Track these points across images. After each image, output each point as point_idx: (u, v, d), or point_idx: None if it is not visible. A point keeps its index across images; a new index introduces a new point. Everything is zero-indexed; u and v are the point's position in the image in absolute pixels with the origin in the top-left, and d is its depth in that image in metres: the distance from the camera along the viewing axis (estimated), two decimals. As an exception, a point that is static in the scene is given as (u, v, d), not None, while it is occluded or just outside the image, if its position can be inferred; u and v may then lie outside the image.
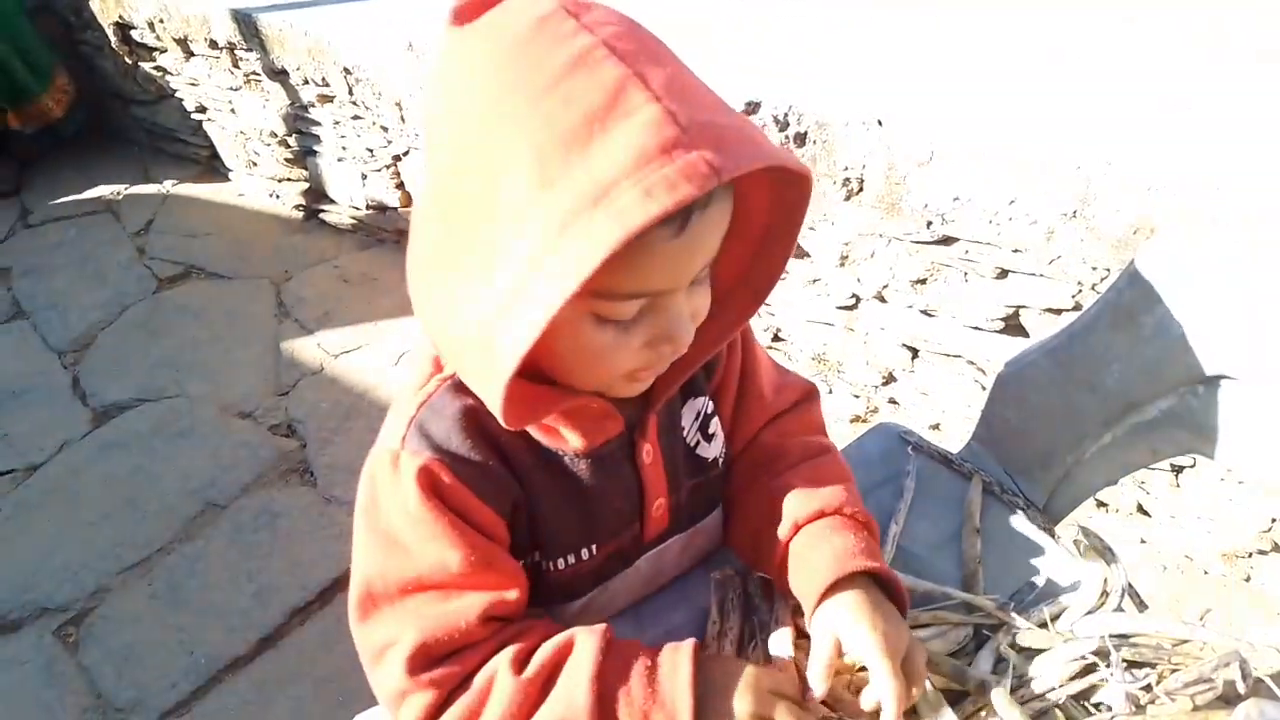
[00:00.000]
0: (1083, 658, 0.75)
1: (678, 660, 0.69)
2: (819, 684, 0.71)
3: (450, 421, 0.71)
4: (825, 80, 1.73)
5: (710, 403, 0.87)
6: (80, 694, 1.72)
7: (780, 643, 0.80)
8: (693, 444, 0.86)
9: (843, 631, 0.72)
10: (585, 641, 0.69)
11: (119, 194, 3.16)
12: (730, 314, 0.74)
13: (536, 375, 0.70)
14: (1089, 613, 0.83)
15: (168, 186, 3.17)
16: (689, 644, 0.70)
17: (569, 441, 0.75)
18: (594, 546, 0.81)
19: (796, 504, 0.80)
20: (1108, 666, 0.78)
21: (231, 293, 2.71)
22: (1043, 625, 0.82)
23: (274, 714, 1.66)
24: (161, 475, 2.13)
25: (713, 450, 0.88)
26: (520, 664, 0.68)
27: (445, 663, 0.69)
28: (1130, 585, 0.86)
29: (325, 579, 1.87)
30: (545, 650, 0.69)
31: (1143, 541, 1.77)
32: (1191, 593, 1.70)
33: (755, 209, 0.69)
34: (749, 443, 0.91)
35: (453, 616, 0.69)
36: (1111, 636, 0.79)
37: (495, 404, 0.60)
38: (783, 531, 0.80)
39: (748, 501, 0.87)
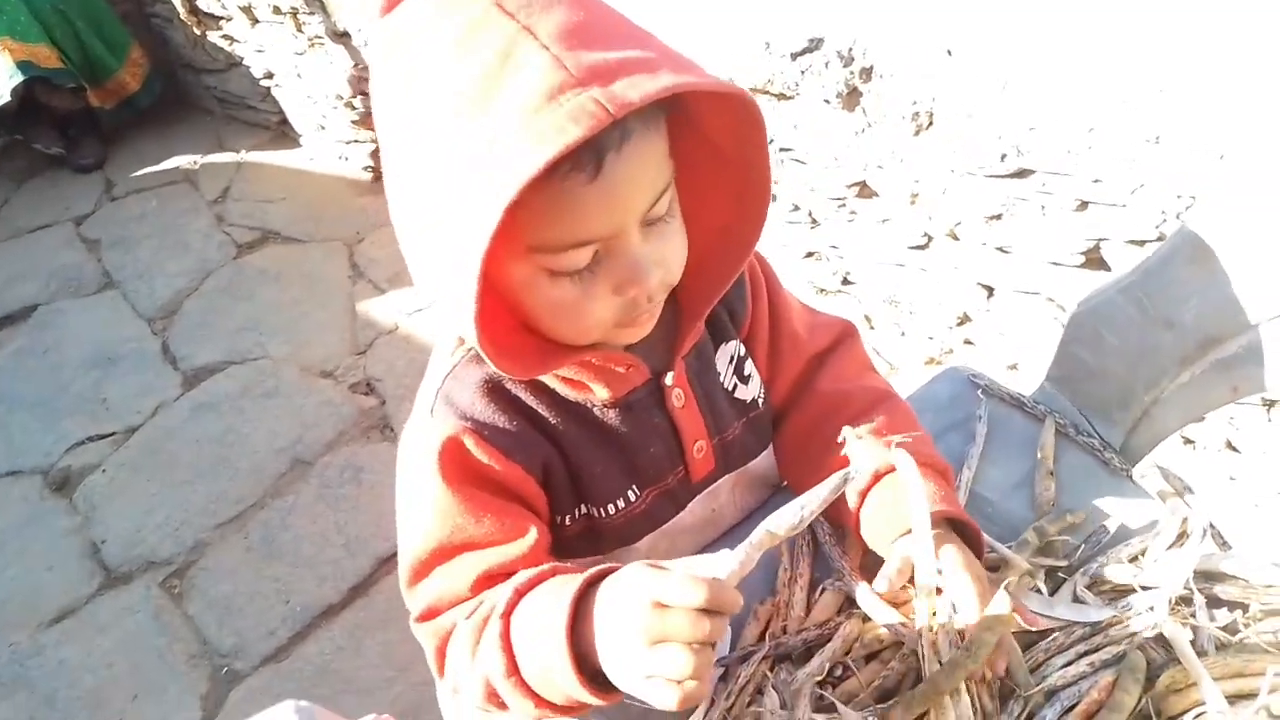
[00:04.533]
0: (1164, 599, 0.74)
1: (569, 585, 0.63)
2: (883, 583, 0.75)
3: (474, 389, 0.73)
4: (891, 9, 1.67)
5: (742, 346, 0.87)
6: (187, 641, 1.83)
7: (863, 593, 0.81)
8: (730, 387, 0.87)
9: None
10: (506, 589, 0.67)
11: (195, 163, 3.25)
12: (732, 248, 0.73)
13: (537, 331, 0.70)
14: (1168, 551, 0.81)
15: (241, 154, 3.25)
16: (583, 575, 0.63)
17: (596, 393, 0.76)
18: (639, 489, 0.82)
19: (871, 454, 0.80)
20: (1189, 606, 0.76)
21: (307, 256, 2.78)
22: (1119, 566, 0.81)
23: (366, 657, 1.74)
24: (250, 434, 2.23)
25: (751, 391, 0.88)
26: (472, 612, 0.71)
27: (443, 616, 0.74)
28: (1212, 524, 0.83)
29: (409, 530, 1.94)
30: (487, 603, 0.70)
31: (1232, 479, 1.71)
32: (1284, 530, 1.65)
33: (721, 135, 0.68)
34: (803, 389, 0.91)
35: (458, 578, 0.72)
36: (1195, 575, 0.77)
37: (483, 353, 0.63)
38: (859, 483, 0.80)
39: (816, 453, 0.87)
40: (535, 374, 0.72)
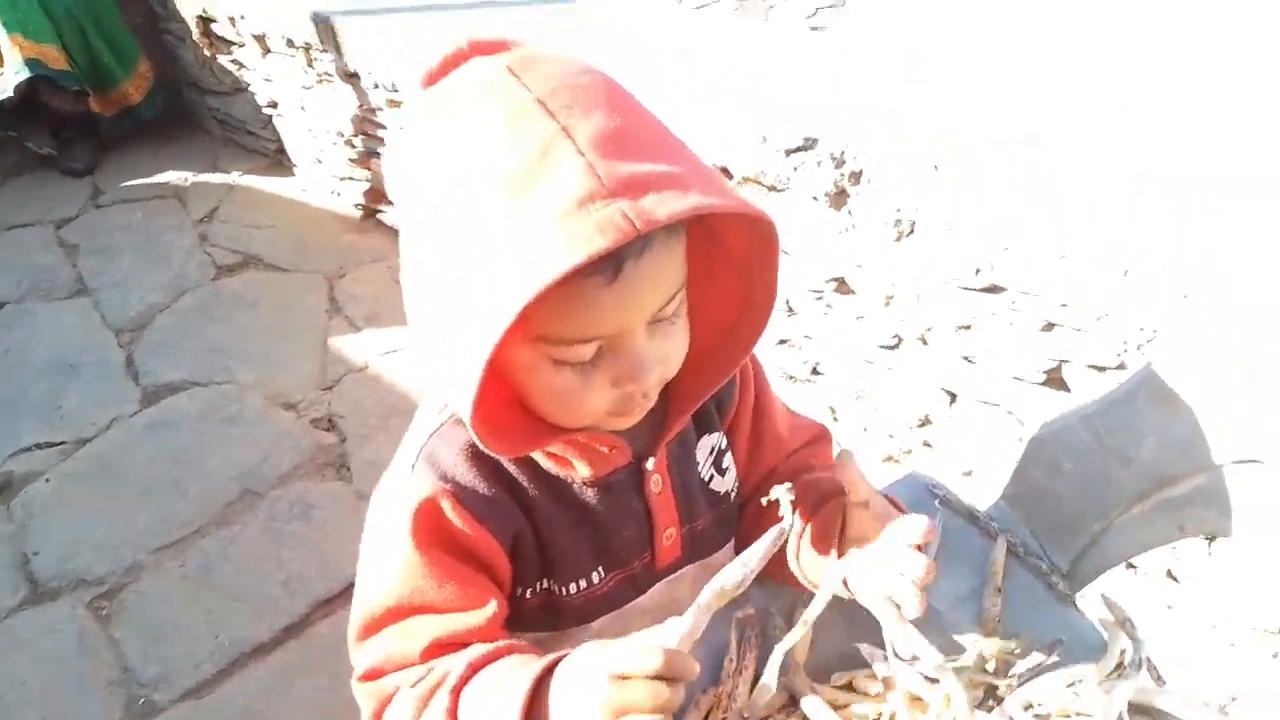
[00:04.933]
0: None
1: (525, 670, 0.64)
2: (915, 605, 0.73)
3: (458, 452, 0.74)
4: (883, 119, 1.73)
5: (724, 439, 0.89)
6: (108, 666, 1.77)
7: (772, 679, 0.81)
8: (707, 478, 0.88)
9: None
10: (459, 662, 0.68)
11: (187, 181, 3.25)
12: (730, 348, 0.76)
13: (530, 409, 0.72)
14: (1104, 681, 0.82)
15: (234, 177, 3.27)
16: (546, 659, 0.65)
17: (578, 470, 0.77)
18: (604, 571, 0.83)
19: (822, 488, 0.85)
20: (1120, 740, 0.77)
21: (287, 285, 2.78)
22: (1056, 691, 0.82)
23: (292, 703, 1.70)
24: (204, 459, 2.19)
25: (726, 484, 0.90)
26: (418, 681, 0.70)
27: (386, 678, 0.73)
28: (1149, 659, 0.85)
29: (353, 574, 1.90)
30: (435, 673, 0.70)
31: (1169, 607, 1.74)
32: (1214, 665, 1.66)
33: (734, 244, 0.71)
34: (768, 474, 0.93)
35: (409, 640, 0.72)
36: (1129, 708, 0.78)
37: (473, 433, 0.64)
38: (807, 509, 0.84)
39: (769, 522, 0.89)
40: (521, 453, 0.73)
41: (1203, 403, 0.86)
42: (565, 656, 0.63)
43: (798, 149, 1.72)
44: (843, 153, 1.69)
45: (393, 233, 2.98)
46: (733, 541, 0.95)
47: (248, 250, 2.91)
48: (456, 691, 0.65)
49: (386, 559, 0.73)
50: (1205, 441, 0.84)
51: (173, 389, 2.41)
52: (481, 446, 0.66)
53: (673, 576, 0.89)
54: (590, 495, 0.79)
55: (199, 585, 1.91)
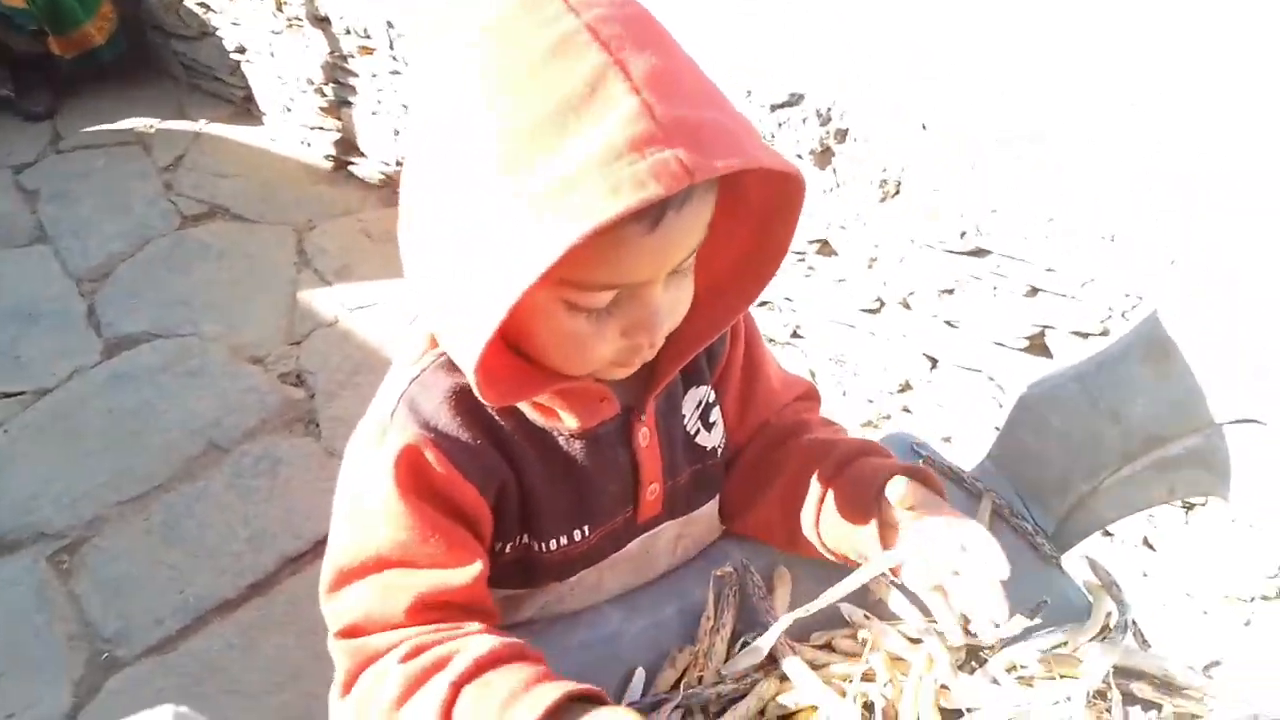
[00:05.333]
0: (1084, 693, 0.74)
1: (537, 698, 0.61)
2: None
3: (440, 398, 0.70)
4: (872, 76, 1.70)
5: (712, 393, 0.86)
6: (68, 621, 1.73)
7: (766, 644, 0.79)
8: (693, 432, 0.85)
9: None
10: (463, 655, 0.64)
11: (152, 128, 3.15)
12: (729, 300, 0.73)
13: (527, 355, 0.69)
14: (1090, 643, 0.81)
15: (201, 124, 3.16)
16: (562, 686, 0.62)
17: (565, 421, 0.74)
18: (587, 529, 0.80)
19: (841, 450, 0.83)
20: (1105, 701, 0.76)
21: (254, 236, 2.70)
22: (1040, 654, 0.81)
23: (256, 660, 1.67)
24: (167, 412, 2.14)
25: (712, 439, 0.87)
26: (410, 656, 0.66)
27: (369, 639, 0.69)
28: (1134, 621, 0.84)
29: (320, 531, 1.87)
30: (432, 653, 0.66)
31: (1145, 575, 1.75)
32: (1190, 632, 1.68)
33: (754, 196, 0.68)
34: (761, 427, 0.91)
35: (391, 598, 0.68)
36: (1114, 671, 0.77)
37: (472, 379, 0.60)
38: (827, 470, 0.82)
39: (776, 460, 0.88)
40: (512, 401, 0.70)
41: (1195, 366, 0.84)
42: (587, 694, 0.62)
43: (784, 104, 1.68)
44: (829, 109, 1.66)
45: (364, 185, 2.91)
46: (714, 501, 0.92)
47: (214, 200, 2.83)
48: (458, 686, 0.61)
49: (365, 509, 0.69)
50: (1198, 403, 0.82)
51: (135, 340, 2.33)
52: (475, 393, 0.63)
53: (652, 532, 0.86)
54: (576, 448, 0.76)
55: (162, 540, 1.87)
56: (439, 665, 0.64)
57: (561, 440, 0.75)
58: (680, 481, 0.86)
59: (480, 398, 0.62)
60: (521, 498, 0.75)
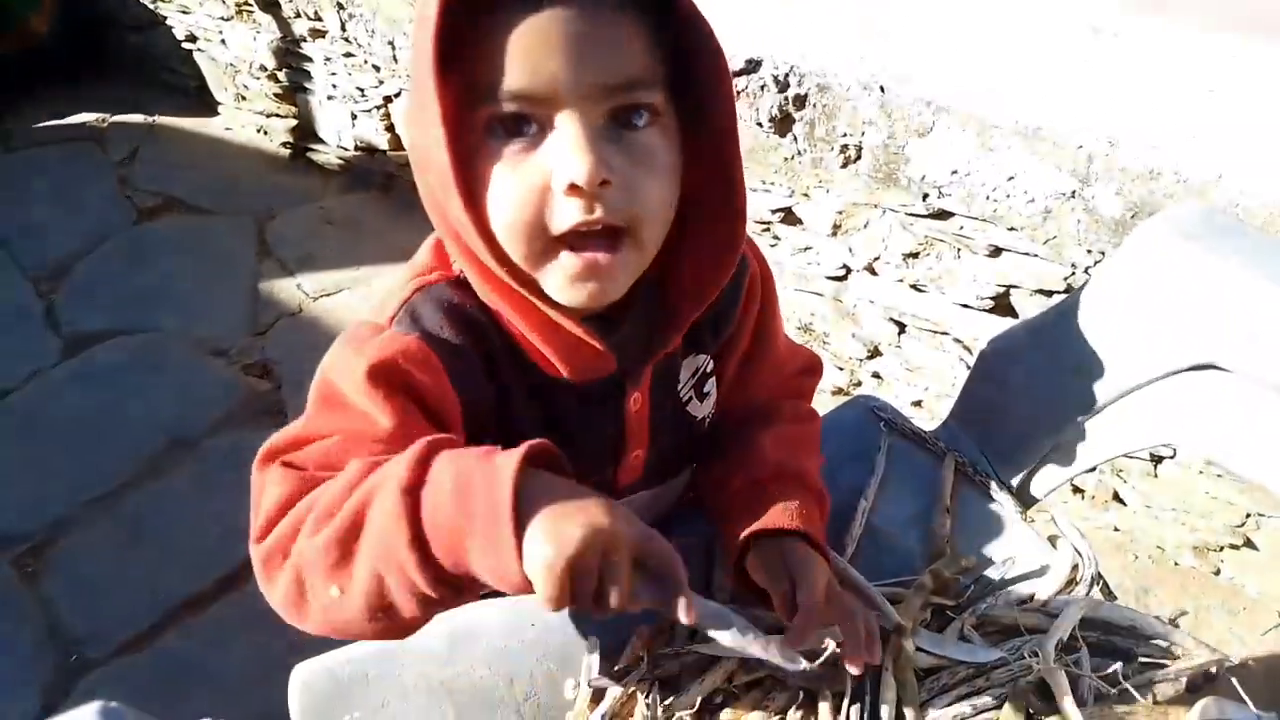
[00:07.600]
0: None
1: (500, 471, 0.52)
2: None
3: (445, 312, 0.68)
4: (830, 40, 1.68)
5: (711, 362, 0.84)
6: (37, 625, 1.70)
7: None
8: (685, 399, 0.83)
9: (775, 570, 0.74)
10: (413, 449, 0.55)
11: (104, 122, 3.08)
12: (717, 241, 0.69)
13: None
14: (1056, 596, 0.81)
15: (155, 117, 3.10)
16: (516, 452, 0.53)
17: (560, 372, 0.70)
18: None
19: (763, 463, 0.82)
20: (1073, 654, 0.76)
21: (213, 228, 2.66)
22: (1008, 608, 0.80)
23: (231, 656, 1.65)
24: (131, 409, 2.10)
25: (702, 410, 0.85)
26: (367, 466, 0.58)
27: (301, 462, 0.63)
28: (1099, 574, 0.84)
29: (291, 523, 1.85)
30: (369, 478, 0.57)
31: (1116, 529, 1.76)
32: (1160, 584, 1.70)
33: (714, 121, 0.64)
34: (760, 408, 0.90)
35: (339, 457, 0.61)
36: (1081, 623, 0.77)
37: (469, 240, 0.62)
38: (740, 482, 0.81)
39: (725, 445, 0.87)
40: (503, 299, 0.66)
41: (1152, 315, 0.84)
42: (544, 451, 0.56)
43: (742, 71, 1.65)
44: (787, 75, 1.64)
45: (324, 172, 2.86)
46: (689, 470, 0.91)
47: (171, 193, 2.77)
48: (426, 453, 0.54)
49: (340, 393, 0.64)
50: (1156, 353, 0.82)
51: (95, 338, 2.29)
52: (473, 307, 0.64)
53: (627, 499, 0.84)
54: (567, 402, 0.74)
55: (130, 539, 1.84)
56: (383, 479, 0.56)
57: (555, 391, 0.72)
58: (665, 450, 0.84)
59: (476, 307, 0.65)
60: (500, 429, 0.71)
